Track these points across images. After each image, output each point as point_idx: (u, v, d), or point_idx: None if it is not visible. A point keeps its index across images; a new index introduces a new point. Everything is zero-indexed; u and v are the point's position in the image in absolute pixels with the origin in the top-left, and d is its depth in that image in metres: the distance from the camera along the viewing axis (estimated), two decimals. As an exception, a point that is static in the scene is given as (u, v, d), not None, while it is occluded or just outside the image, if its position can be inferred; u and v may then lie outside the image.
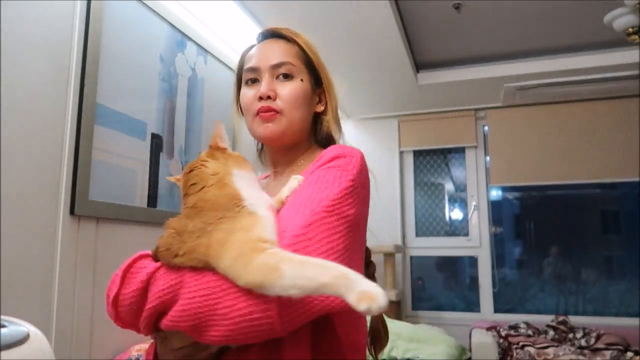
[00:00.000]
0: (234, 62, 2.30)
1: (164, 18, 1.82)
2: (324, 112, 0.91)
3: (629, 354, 2.64)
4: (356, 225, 0.69)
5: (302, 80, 0.87)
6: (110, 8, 1.56)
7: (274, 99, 0.84)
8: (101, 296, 1.46)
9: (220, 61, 2.21)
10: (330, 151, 0.79)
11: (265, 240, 0.59)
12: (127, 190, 1.61)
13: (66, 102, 1.39)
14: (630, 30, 2.18)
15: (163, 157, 1.81)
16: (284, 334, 0.58)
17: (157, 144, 1.77)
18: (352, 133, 4.03)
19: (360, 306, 0.50)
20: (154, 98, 1.77)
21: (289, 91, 0.84)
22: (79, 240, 1.40)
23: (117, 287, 0.66)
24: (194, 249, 0.60)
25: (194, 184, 0.67)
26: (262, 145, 0.96)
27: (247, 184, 0.68)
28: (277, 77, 0.86)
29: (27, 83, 1.26)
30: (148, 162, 1.72)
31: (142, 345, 1.53)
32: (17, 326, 0.57)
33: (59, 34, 1.38)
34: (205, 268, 0.60)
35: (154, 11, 1.77)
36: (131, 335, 1.56)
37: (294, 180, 0.76)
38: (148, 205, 1.70)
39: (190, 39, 1.99)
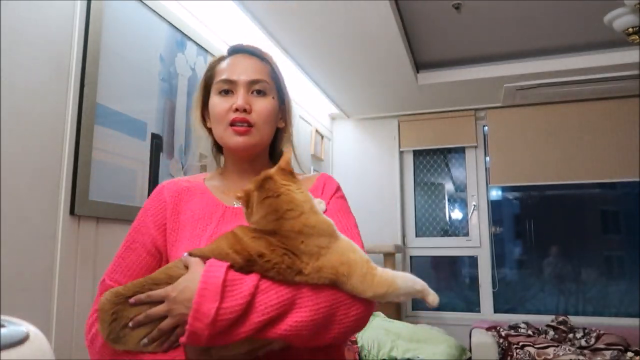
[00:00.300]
0: (234, 62, 2.30)
1: (164, 18, 1.82)
2: (284, 129, 1.01)
3: (629, 354, 2.64)
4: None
5: (273, 98, 0.94)
6: (110, 8, 1.56)
7: (250, 112, 0.91)
8: (101, 296, 1.46)
9: (220, 61, 2.20)
10: (330, 181, 0.98)
11: (368, 260, 0.75)
12: (127, 190, 1.61)
13: (66, 102, 1.39)
14: (630, 30, 2.18)
15: (163, 157, 1.81)
16: None
17: (157, 144, 1.77)
18: (352, 133, 4.04)
19: (434, 303, 0.76)
20: (154, 98, 1.77)
21: (263, 107, 0.92)
22: (79, 240, 1.40)
23: (216, 303, 0.65)
24: (319, 269, 0.71)
25: (290, 209, 0.74)
26: (220, 148, 1.02)
27: (320, 209, 0.81)
28: (252, 92, 0.93)
29: (27, 83, 1.26)
30: (148, 162, 1.72)
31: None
32: (17, 326, 0.57)
33: (59, 34, 1.38)
34: (324, 284, 0.71)
35: (154, 11, 1.77)
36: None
37: (321, 204, 0.89)
38: (148, 205, 1.70)
39: (190, 39, 1.99)
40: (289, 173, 0.78)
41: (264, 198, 0.74)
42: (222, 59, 0.98)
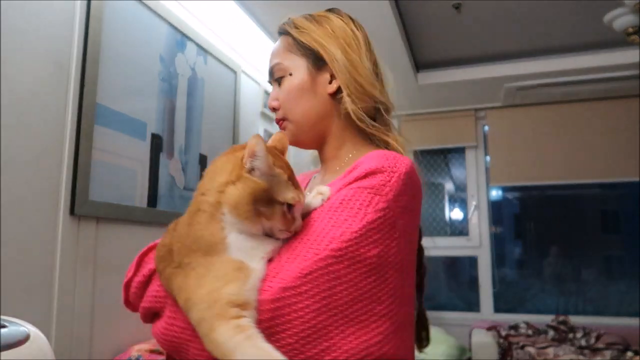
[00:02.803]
0: (234, 62, 2.31)
1: (164, 18, 1.82)
2: (338, 91, 0.77)
3: (629, 354, 2.64)
4: (382, 268, 0.57)
5: (290, 74, 0.78)
6: (110, 8, 1.56)
7: (278, 108, 0.80)
8: (101, 296, 1.46)
9: (220, 61, 2.21)
10: (367, 161, 0.65)
11: (238, 303, 0.52)
12: (127, 190, 1.61)
13: (66, 102, 1.39)
14: (630, 30, 2.18)
15: (163, 157, 1.80)
16: None
17: (157, 144, 1.77)
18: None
19: None
20: (154, 98, 1.77)
21: (282, 93, 0.79)
22: (79, 240, 1.40)
23: (131, 273, 0.69)
24: (170, 279, 0.58)
25: (202, 194, 0.60)
26: None
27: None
28: (278, 83, 0.81)
29: (27, 83, 1.26)
30: (148, 162, 1.72)
31: (142, 345, 1.53)
32: (17, 326, 0.57)
33: (59, 34, 1.37)
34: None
35: (154, 11, 1.77)
36: (131, 335, 1.56)
37: (318, 197, 0.65)
38: (148, 205, 1.70)
39: (190, 39, 1.99)
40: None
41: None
42: None
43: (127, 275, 0.69)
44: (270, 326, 0.53)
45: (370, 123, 0.77)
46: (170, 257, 0.60)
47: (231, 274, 0.54)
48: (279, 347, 0.51)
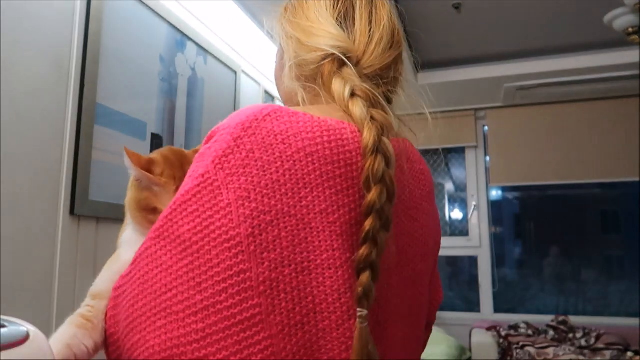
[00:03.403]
0: (234, 62, 2.31)
1: (164, 18, 1.82)
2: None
3: (629, 354, 2.64)
4: (201, 246, 0.46)
5: (275, 62, 0.77)
6: (110, 8, 1.56)
7: None
8: (101, 296, 1.46)
9: (220, 61, 2.21)
10: (213, 132, 0.55)
11: (93, 293, 0.56)
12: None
13: (66, 102, 1.38)
14: (630, 30, 2.18)
15: (163, 157, 1.80)
16: None
17: (157, 144, 1.77)
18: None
19: None
20: (154, 98, 1.77)
21: None
22: (79, 240, 1.40)
23: None
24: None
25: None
26: None
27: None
28: None
29: (27, 83, 1.26)
30: (148, 162, 1.72)
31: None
32: (17, 326, 0.57)
33: (59, 34, 1.37)
34: None
35: (154, 11, 1.77)
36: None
37: None
38: (148, 205, 1.70)
39: (190, 39, 1.99)
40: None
41: None
42: None
43: None
44: (113, 315, 0.52)
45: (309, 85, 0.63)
46: None
47: (106, 266, 0.61)
48: (114, 333, 0.49)
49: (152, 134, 1.74)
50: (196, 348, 0.44)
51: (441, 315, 3.61)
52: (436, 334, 2.95)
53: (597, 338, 2.83)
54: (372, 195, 0.50)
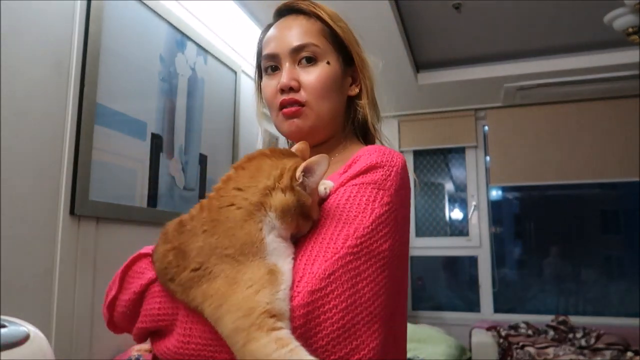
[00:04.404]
0: (234, 62, 2.31)
1: (164, 18, 1.82)
2: (358, 96, 0.79)
3: (629, 354, 2.64)
4: (392, 260, 0.58)
5: (328, 62, 0.74)
6: (110, 8, 1.56)
7: (298, 90, 0.72)
8: (101, 296, 1.46)
9: (220, 61, 2.21)
10: (366, 156, 0.65)
11: (275, 314, 0.49)
12: (127, 190, 1.61)
13: (66, 102, 1.39)
14: (630, 30, 2.18)
15: (163, 157, 1.80)
16: None
17: (157, 144, 1.77)
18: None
19: None
20: (154, 98, 1.77)
21: (314, 79, 0.72)
22: (79, 240, 1.40)
23: (114, 291, 0.62)
24: (190, 286, 0.53)
25: (238, 189, 0.56)
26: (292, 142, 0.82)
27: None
28: (299, 63, 0.74)
29: (27, 83, 1.26)
30: (148, 162, 1.72)
31: (142, 345, 1.53)
32: (17, 326, 0.57)
33: (59, 34, 1.37)
34: (198, 313, 0.53)
35: (154, 11, 1.77)
36: (131, 336, 1.56)
37: (321, 187, 0.62)
38: (148, 205, 1.70)
39: (190, 39, 1.99)
40: (289, 154, 0.61)
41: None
42: (268, 28, 0.80)
43: (109, 294, 0.62)
44: (303, 332, 0.51)
45: (381, 133, 0.80)
46: (183, 261, 0.54)
47: (265, 278, 0.51)
48: (312, 352, 0.49)
49: (152, 134, 1.75)
50: (400, 343, 0.64)
51: (441, 315, 3.61)
52: (436, 334, 2.95)
53: (597, 338, 2.83)
54: None
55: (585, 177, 3.45)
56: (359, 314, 0.53)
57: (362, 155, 0.66)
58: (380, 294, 0.55)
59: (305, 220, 0.58)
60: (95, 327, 1.43)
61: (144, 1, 1.72)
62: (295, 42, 0.73)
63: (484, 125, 3.77)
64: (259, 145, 2.29)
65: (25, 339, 0.52)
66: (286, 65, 0.74)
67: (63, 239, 1.34)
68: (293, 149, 0.65)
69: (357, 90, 0.79)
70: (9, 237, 1.19)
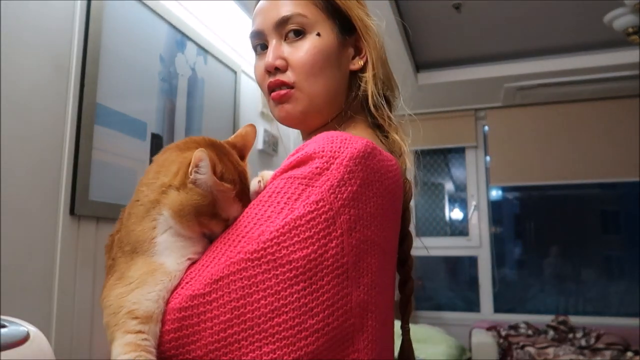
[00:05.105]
0: (234, 62, 2.31)
1: (164, 18, 1.82)
2: (363, 69, 0.68)
3: (629, 354, 2.64)
4: (312, 274, 0.48)
5: (318, 34, 0.63)
6: (110, 8, 1.56)
7: (285, 70, 0.64)
8: (101, 296, 1.46)
9: (220, 61, 2.21)
10: (310, 144, 0.55)
11: (139, 315, 0.47)
12: (127, 190, 1.61)
13: (66, 102, 1.38)
14: (630, 30, 2.18)
15: (163, 157, 1.80)
16: None
17: (157, 144, 1.77)
18: (352, 133, 4.02)
19: None
20: (154, 98, 1.77)
21: (302, 55, 0.63)
22: (79, 240, 1.40)
23: None
24: (106, 275, 0.55)
25: (143, 185, 0.56)
26: None
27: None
28: (287, 38, 0.64)
29: (27, 83, 1.26)
30: (148, 162, 1.72)
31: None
32: (17, 326, 0.57)
33: (59, 34, 1.37)
34: None
35: (154, 11, 1.77)
36: (131, 335, 1.56)
37: (255, 181, 0.58)
38: (148, 205, 1.70)
39: (190, 39, 1.99)
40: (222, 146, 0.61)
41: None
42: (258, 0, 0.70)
43: None
44: (177, 337, 0.48)
45: (387, 114, 0.69)
46: (110, 250, 0.57)
47: (142, 278, 0.50)
48: None
49: (152, 134, 1.74)
50: None
51: (441, 315, 3.61)
52: (436, 334, 2.95)
53: (597, 338, 2.83)
54: (409, 223, 0.67)
55: (585, 177, 3.45)
56: (246, 329, 0.47)
57: (308, 143, 0.56)
58: (285, 311, 0.47)
59: (214, 220, 0.53)
60: (95, 327, 1.43)
61: (144, 1, 1.72)
62: (279, 14, 0.64)
63: (484, 125, 3.77)
64: (259, 145, 2.29)
65: (25, 339, 0.52)
66: (272, 42, 0.64)
67: (63, 239, 1.34)
68: (234, 135, 0.64)
69: (361, 62, 0.68)
70: (9, 237, 1.19)
